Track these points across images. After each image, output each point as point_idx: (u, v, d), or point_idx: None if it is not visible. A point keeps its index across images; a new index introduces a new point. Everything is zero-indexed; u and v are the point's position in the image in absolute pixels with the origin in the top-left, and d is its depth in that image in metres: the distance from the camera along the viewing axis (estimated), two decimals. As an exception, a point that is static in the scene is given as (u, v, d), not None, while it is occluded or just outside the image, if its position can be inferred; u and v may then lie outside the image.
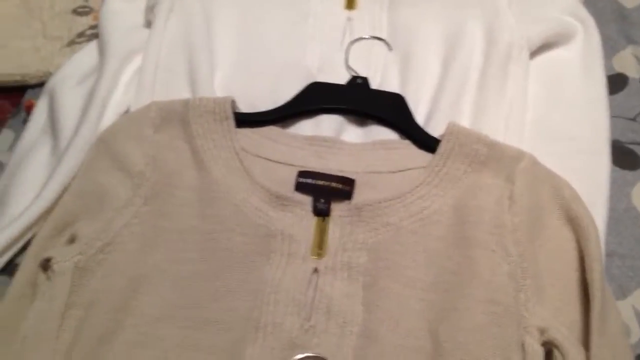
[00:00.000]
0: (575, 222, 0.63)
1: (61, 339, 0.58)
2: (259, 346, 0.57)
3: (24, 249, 0.66)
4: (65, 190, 0.66)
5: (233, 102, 0.69)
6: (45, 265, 0.61)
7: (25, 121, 0.76)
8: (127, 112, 0.73)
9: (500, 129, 0.71)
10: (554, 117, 0.74)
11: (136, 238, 0.62)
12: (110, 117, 0.71)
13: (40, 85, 0.80)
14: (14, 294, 0.61)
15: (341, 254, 0.62)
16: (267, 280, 0.60)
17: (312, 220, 0.64)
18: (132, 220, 0.63)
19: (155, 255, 0.62)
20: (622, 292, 0.66)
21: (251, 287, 0.60)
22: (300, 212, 0.64)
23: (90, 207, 0.64)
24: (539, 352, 0.57)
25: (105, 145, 0.68)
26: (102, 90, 0.72)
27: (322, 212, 0.64)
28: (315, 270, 0.61)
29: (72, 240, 0.63)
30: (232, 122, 0.68)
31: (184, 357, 0.57)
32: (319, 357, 0.57)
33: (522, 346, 0.57)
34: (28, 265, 0.62)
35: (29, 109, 0.76)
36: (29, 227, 0.65)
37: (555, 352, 0.58)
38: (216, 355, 0.57)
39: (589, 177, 0.69)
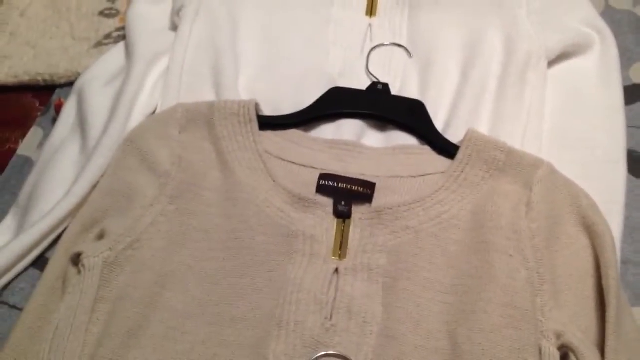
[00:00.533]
0: (591, 230, 0.64)
1: (90, 331, 0.59)
2: (282, 343, 0.59)
3: (54, 244, 0.67)
4: (94, 188, 0.68)
5: (257, 105, 0.71)
6: (76, 260, 0.63)
7: (54, 120, 0.77)
8: (153, 113, 0.75)
9: (518, 137, 0.72)
10: (572, 126, 0.75)
11: (163, 236, 0.64)
12: (137, 117, 0.73)
13: (69, 84, 0.82)
14: (44, 287, 0.63)
15: (361, 256, 0.63)
16: (290, 279, 0.62)
17: (333, 222, 0.65)
18: (159, 218, 0.65)
19: (182, 252, 0.63)
20: (638, 299, 0.67)
21: (274, 286, 0.61)
22: (321, 214, 0.65)
23: (118, 205, 0.66)
24: (555, 356, 0.58)
25: (133, 145, 0.70)
26: (129, 91, 0.74)
27: (343, 215, 0.65)
28: (336, 271, 0.63)
29: (101, 236, 0.65)
30: (255, 124, 0.70)
31: (210, 352, 0.59)
32: (340, 355, 0.59)
33: (539, 349, 0.58)
34: (58, 259, 0.64)
35: (58, 108, 0.78)
36: (59, 223, 0.66)
37: (572, 356, 0.59)
38: (241, 350, 0.59)
39: (606, 186, 0.70)
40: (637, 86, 0.81)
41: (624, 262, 0.68)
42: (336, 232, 0.65)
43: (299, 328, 0.60)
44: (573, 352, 0.59)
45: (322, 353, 0.59)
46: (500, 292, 0.60)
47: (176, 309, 0.61)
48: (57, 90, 0.84)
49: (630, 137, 0.74)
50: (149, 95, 0.75)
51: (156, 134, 0.70)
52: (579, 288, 0.62)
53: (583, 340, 0.59)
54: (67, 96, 0.79)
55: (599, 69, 0.78)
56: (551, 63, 0.78)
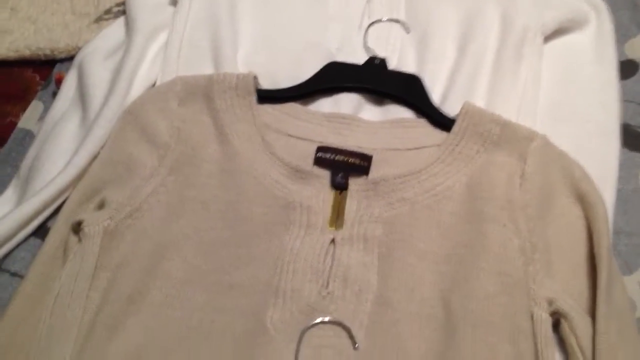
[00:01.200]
0: (584, 200, 0.65)
1: (91, 298, 0.61)
2: (279, 310, 0.60)
3: (54, 214, 0.68)
4: (94, 158, 0.69)
5: (255, 79, 0.71)
6: (76, 228, 0.64)
7: (54, 94, 0.78)
8: (153, 86, 0.76)
9: (513, 110, 0.73)
10: (567, 100, 0.76)
11: (162, 206, 0.65)
12: (137, 90, 0.74)
13: (69, 59, 0.82)
14: (45, 255, 0.64)
15: (357, 226, 0.64)
16: (287, 249, 0.63)
17: (330, 194, 0.66)
18: (159, 188, 0.66)
19: (180, 222, 0.64)
20: (629, 269, 0.68)
21: (271, 255, 0.63)
22: (318, 186, 0.66)
23: (118, 175, 0.67)
24: (547, 321, 0.59)
25: (133, 117, 0.70)
26: (129, 64, 0.74)
27: (339, 186, 0.66)
28: (333, 241, 0.64)
29: (101, 206, 0.66)
30: (254, 97, 0.70)
31: (208, 318, 0.60)
32: (336, 321, 0.60)
33: (531, 316, 0.59)
34: (59, 228, 0.65)
35: (58, 82, 0.79)
36: (60, 193, 0.67)
37: (563, 322, 0.60)
38: (239, 317, 0.60)
39: (599, 158, 0.71)
40: (631, 61, 0.81)
41: (616, 232, 0.68)
42: (333, 204, 0.66)
43: (295, 296, 0.61)
44: (564, 318, 0.60)
45: (319, 320, 0.60)
46: (493, 260, 0.61)
47: (175, 277, 0.62)
48: (58, 65, 0.84)
49: (624, 111, 0.75)
50: (149, 69, 0.76)
51: (155, 107, 0.70)
52: (570, 257, 0.63)
53: (574, 307, 0.61)
54: (67, 70, 0.80)
55: (594, 44, 0.79)
56: (547, 38, 0.78)
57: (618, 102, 0.75)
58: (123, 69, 0.74)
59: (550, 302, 0.60)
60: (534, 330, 0.59)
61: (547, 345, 0.59)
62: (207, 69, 0.76)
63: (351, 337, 0.59)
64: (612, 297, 0.60)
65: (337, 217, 0.65)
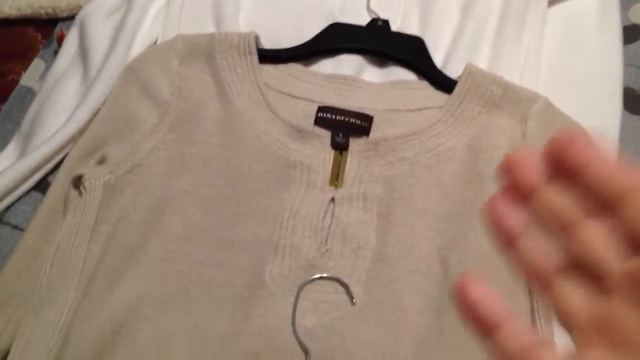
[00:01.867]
0: (584, 162, 0.65)
1: (91, 250, 0.61)
2: (277, 265, 0.60)
3: (56, 168, 0.69)
4: (95, 115, 0.69)
5: (257, 38, 0.71)
6: (77, 182, 0.64)
7: (56, 52, 0.78)
8: (154, 44, 0.76)
9: (516, 74, 0.72)
10: (570, 64, 0.75)
11: (163, 162, 0.65)
12: (138, 47, 0.74)
13: (71, 18, 0.82)
14: (46, 208, 0.64)
15: (357, 186, 0.64)
16: (287, 207, 0.63)
17: (330, 154, 0.66)
18: (159, 145, 0.66)
19: (181, 179, 0.64)
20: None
21: (271, 213, 0.63)
22: (319, 145, 0.66)
23: (119, 131, 0.67)
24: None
25: (134, 74, 0.70)
26: (131, 22, 0.74)
27: (340, 146, 0.66)
28: (332, 200, 0.64)
29: (101, 161, 0.66)
30: (255, 57, 0.70)
31: (207, 273, 0.60)
32: (334, 277, 0.60)
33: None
34: (60, 182, 0.65)
35: (60, 40, 0.78)
36: (61, 147, 0.67)
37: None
38: (238, 272, 0.60)
39: (601, 122, 0.71)
40: (635, 26, 0.80)
41: (616, 194, 0.68)
42: (333, 163, 0.66)
43: (294, 252, 0.61)
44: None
45: (317, 275, 0.60)
46: (492, 219, 0.61)
47: (175, 232, 0.62)
48: (60, 23, 0.84)
49: (627, 75, 0.75)
50: (150, 26, 0.76)
51: (156, 64, 0.70)
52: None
53: (572, 265, 0.61)
54: (69, 29, 0.80)
55: (598, 10, 0.78)
56: (551, 3, 0.78)
57: (621, 67, 0.75)
58: (124, 27, 0.74)
59: (549, 261, 0.60)
60: (530, 288, 0.59)
61: (543, 302, 0.59)
62: (209, 28, 0.76)
63: (349, 293, 0.60)
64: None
65: (337, 176, 0.65)
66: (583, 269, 0.23)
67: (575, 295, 0.23)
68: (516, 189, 0.25)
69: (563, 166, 0.24)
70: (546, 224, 0.24)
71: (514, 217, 0.25)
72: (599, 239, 0.23)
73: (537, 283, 0.24)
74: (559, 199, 0.24)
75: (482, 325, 0.25)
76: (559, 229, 0.24)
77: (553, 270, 0.24)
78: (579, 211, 0.23)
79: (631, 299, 0.21)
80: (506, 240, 0.25)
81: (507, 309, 0.25)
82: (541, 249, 0.24)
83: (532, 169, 0.25)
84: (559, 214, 0.24)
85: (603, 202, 0.23)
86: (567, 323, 0.24)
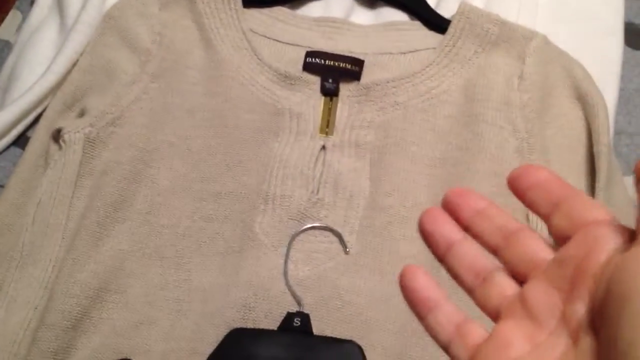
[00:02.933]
0: (584, 100, 0.63)
1: (74, 205, 0.59)
2: (268, 216, 0.58)
3: (35, 122, 0.66)
4: (73, 65, 0.66)
5: (241, -19, 0.68)
6: (57, 136, 0.62)
7: (32, 3, 0.75)
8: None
9: (513, 10, 0.70)
10: (569, -1, 0.72)
11: (145, 113, 0.63)
12: (116, -6, 0.70)
13: (46, -33, 0.78)
14: (26, 164, 0.62)
15: (349, 132, 0.62)
16: (276, 156, 0.61)
17: (320, 100, 0.64)
18: (141, 95, 0.63)
19: (165, 130, 0.62)
20: (630, 169, 0.66)
21: (260, 162, 0.61)
22: (308, 92, 0.64)
23: (99, 82, 0.64)
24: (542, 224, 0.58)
25: (112, 22, 0.67)
26: (108, -33, 0.71)
27: (330, 92, 0.64)
28: (323, 148, 0.62)
29: (81, 114, 0.63)
30: (239, 1, 0.67)
31: (196, 226, 0.59)
32: (326, 227, 0.58)
33: (527, 217, 0.58)
34: (40, 137, 0.63)
35: (35, -12, 0.75)
36: (39, 101, 0.65)
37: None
38: (227, 224, 0.59)
39: (602, 57, 0.68)
40: (637, -42, 0.77)
41: (618, 132, 0.66)
42: (323, 110, 0.63)
43: (285, 202, 0.59)
44: (560, 218, 0.59)
45: (309, 225, 0.59)
46: (489, 162, 0.59)
47: (161, 185, 0.60)
48: (35, -27, 0.80)
49: (628, 8, 0.72)
50: (129, -28, 0.72)
51: (136, 11, 0.67)
52: (569, 157, 0.61)
53: (572, 207, 0.59)
54: (44, -22, 0.76)
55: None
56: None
57: (622, 0, 0.72)
58: (101, -28, 0.70)
59: (547, 203, 0.59)
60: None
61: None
62: (190, -28, 0.72)
63: (342, 242, 0.58)
64: (611, 197, 0.59)
65: (328, 123, 0.63)
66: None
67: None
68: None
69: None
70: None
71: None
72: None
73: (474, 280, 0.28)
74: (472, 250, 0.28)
75: (419, 309, 0.28)
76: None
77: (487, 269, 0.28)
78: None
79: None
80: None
81: (442, 295, 0.28)
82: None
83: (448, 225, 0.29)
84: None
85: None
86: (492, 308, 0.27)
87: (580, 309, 0.24)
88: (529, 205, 0.27)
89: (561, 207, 0.26)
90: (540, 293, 0.25)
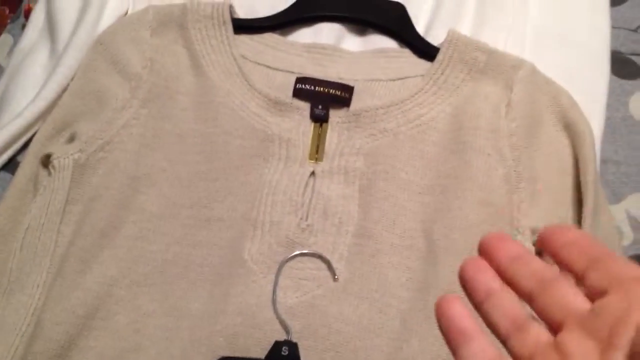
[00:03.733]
0: (571, 129, 0.63)
1: (63, 232, 0.59)
2: (257, 243, 0.59)
3: (25, 147, 0.66)
4: (64, 90, 0.66)
5: (231, 7, 0.69)
6: (46, 161, 0.62)
7: (24, 26, 0.75)
8: (125, 15, 0.73)
9: (501, 39, 0.71)
10: (557, 26, 0.73)
11: (135, 139, 0.63)
12: (107, 20, 0.71)
13: (38, -9, 0.79)
14: (15, 189, 0.62)
15: (338, 159, 0.62)
16: (265, 182, 0.61)
17: (310, 126, 0.64)
18: (131, 121, 0.64)
19: (155, 155, 0.62)
20: (616, 197, 0.67)
21: (250, 188, 0.61)
22: (298, 118, 0.64)
23: (89, 107, 0.65)
24: (530, 251, 0.58)
25: (103, 47, 0.68)
26: (99, -8, 0.71)
27: (319, 118, 0.64)
28: (313, 174, 0.62)
29: (71, 139, 0.64)
30: (230, 27, 0.68)
31: (185, 252, 0.59)
32: (315, 253, 0.59)
33: (514, 244, 0.58)
34: (29, 162, 0.63)
35: (27, 13, 0.76)
36: (30, 126, 0.65)
37: (546, 251, 0.59)
38: (216, 250, 0.59)
39: (588, 86, 0.69)
40: (623, -14, 0.79)
41: (604, 161, 0.67)
42: (313, 136, 0.64)
43: (274, 228, 0.59)
44: (548, 246, 0.59)
45: (298, 252, 0.59)
46: (477, 190, 0.60)
47: (150, 211, 0.60)
48: (27, -2, 0.81)
49: (614, 37, 0.73)
50: (120, -3, 0.73)
51: (127, 37, 0.67)
52: (556, 186, 0.62)
53: (558, 235, 0.59)
54: (36, 2, 0.77)
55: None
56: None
57: (608, 29, 0.73)
58: (93, -2, 0.71)
59: (534, 232, 0.59)
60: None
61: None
62: (181, -2, 0.73)
63: (331, 269, 0.58)
64: (597, 225, 0.59)
65: (317, 149, 0.63)
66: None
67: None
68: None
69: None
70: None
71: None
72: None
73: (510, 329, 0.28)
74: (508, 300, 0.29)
75: (454, 338, 0.29)
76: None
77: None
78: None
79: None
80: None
81: (477, 327, 0.29)
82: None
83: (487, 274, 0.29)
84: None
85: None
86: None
87: (619, 359, 0.24)
88: (562, 261, 0.28)
89: (598, 264, 0.27)
90: (576, 342, 0.26)
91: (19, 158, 0.67)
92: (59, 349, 0.54)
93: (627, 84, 0.73)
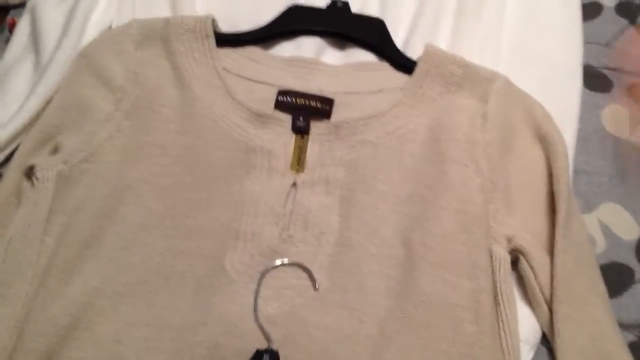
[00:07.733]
0: (545, 140, 0.65)
1: (45, 243, 0.59)
2: (239, 253, 0.59)
3: (7, 160, 0.67)
4: (47, 103, 0.67)
5: (214, 22, 0.70)
6: (29, 173, 0.62)
7: (8, 40, 0.76)
8: (109, 29, 0.74)
9: (476, 53, 0.72)
10: (530, 42, 0.75)
11: (118, 150, 0.64)
12: (91, 33, 0.71)
13: (23, 5, 0.79)
14: (-1, 202, 0.62)
15: (319, 170, 0.64)
16: (247, 193, 0.62)
17: (291, 138, 0.65)
18: (115, 133, 0.64)
19: (138, 167, 0.63)
20: (589, 207, 0.69)
21: (232, 199, 0.62)
22: (279, 130, 0.65)
23: (72, 120, 0.65)
24: (505, 258, 0.60)
25: (87, 60, 0.68)
26: (83, 6, 0.72)
27: (301, 130, 0.65)
28: (294, 185, 0.63)
29: (54, 151, 0.64)
30: (212, 40, 0.69)
31: (167, 263, 0.59)
32: (296, 263, 0.60)
33: (490, 253, 0.60)
34: (12, 175, 0.63)
35: (11, 27, 0.76)
36: (13, 138, 0.66)
37: (522, 259, 0.61)
38: (198, 260, 0.59)
39: (562, 99, 0.71)
40: (595, 3, 0.81)
41: (577, 171, 0.69)
42: (294, 147, 0.65)
43: (255, 239, 0.60)
44: (523, 254, 0.61)
45: (279, 262, 0.60)
46: (454, 199, 0.61)
47: (133, 222, 0.61)
48: (11, 11, 0.81)
49: (587, 52, 0.75)
50: (104, 11, 0.73)
51: (111, 50, 0.68)
52: (530, 195, 0.64)
53: (533, 244, 0.61)
54: (20, 16, 0.77)
55: (559, -14, 0.78)
56: (511, -19, 0.78)
57: (581, 44, 0.75)
58: (77, 11, 0.71)
59: (510, 240, 0.61)
60: (492, 267, 0.59)
61: (505, 282, 0.59)
62: (165, 12, 0.74)
63: (311, 278, 0.59)
64: (570, 233, 0.61)
65: (299, 161, 0.64)
66: None
67: None
68: None
69: None
70: None
71: None
72: None
73: None
74: None
75: None
76: None
77: None
78: None
79: None
80: None
81: None
82: None
83: None
84: None
85: None
86: None
87: None
88: None
89: None
90: None
91: (1, 170, 0.67)
92: (41, 360, 0.54)
93: (599, 96, 0.75)
